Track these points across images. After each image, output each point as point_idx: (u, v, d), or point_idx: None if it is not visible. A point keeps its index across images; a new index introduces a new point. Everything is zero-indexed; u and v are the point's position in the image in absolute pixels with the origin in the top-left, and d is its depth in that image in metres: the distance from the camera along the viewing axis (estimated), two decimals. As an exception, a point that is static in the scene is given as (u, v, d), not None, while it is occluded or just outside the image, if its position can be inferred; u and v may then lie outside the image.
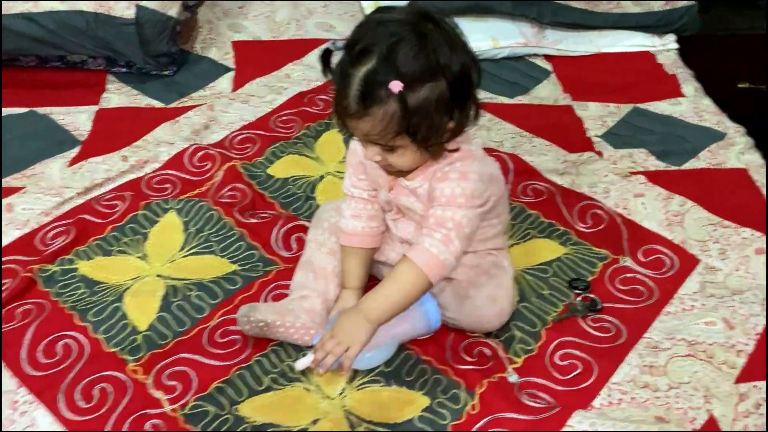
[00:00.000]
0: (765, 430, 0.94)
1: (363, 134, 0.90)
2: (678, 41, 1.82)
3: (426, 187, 0.98)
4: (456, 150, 0.94)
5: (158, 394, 0.99)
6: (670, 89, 1.65)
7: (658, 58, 1.76)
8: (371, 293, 0.96)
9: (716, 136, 1.49)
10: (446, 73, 0.86)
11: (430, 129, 0.88)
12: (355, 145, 1.05)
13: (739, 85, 1.99)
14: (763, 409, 0.96)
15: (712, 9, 1.99)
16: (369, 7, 1.85)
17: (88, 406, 0.98)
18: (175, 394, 0.99)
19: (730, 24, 1.99)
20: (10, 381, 1.01)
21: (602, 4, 1.75)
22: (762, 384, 1.00)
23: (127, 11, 1.60)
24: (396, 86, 0.84)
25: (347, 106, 0.87)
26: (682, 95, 1.63)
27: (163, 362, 1.03)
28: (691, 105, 1.60)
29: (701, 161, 1.42)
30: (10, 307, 1.12)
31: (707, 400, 0.98)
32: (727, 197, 1.33)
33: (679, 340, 1.06)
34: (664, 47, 1.79)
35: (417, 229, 1.04)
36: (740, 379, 1.01)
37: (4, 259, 1.19)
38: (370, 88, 0.85)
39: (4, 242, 1.23)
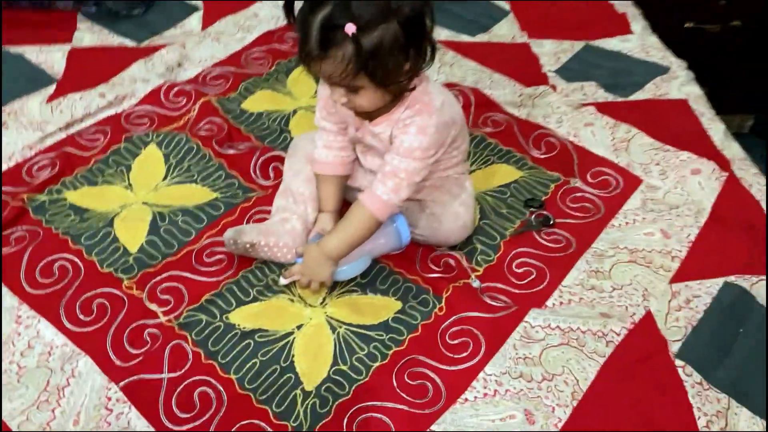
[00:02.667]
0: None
1: (326, 76, 0.96)
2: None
3: (388, 133, 1.06)
4: (413, 89, 1.02)
5: (153, 307, 1.08)
6: (620, 27, 1.75)
7: (609, -2, 1.86)
8: (330, 233, 1.08)
9: (660, 70, 1.60)
10: (399, 15, 0.91)
11: (386, 69, 0.94)
12: (323, 82, 1.11)
13: (686, 25, 2.10)
14: (693, 304, 1.10)
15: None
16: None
17: (89, 318, 1.06)
18: (168, 307, 1.08)
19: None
20: (11, 299, 1.09)
21: (557, -56, 1.83)
22: (692, 283, 1.13)
23: (95, -50, 1.62)
24: (350, 28, 0.89)
25: (309, 51, 0.92)
26: (630, 32, 1.74)
27: (155, 279, 1.12)
28: (639, 42, 1.70)
29: (646, 93, 1.54)
30: (4, 234, 1.18)
31: (645, 298, 1.11)
32: (669, 125, 1.45)
33: (621, 249, 1.19)
34: (615, -14, 1.89)
35: (383, 162, 1.12)
36: (674, 280, 1.14)
37: (-8, 190, 1.25)
38: (326, 31, 0.90)
39: (-9, 175, 1.28)
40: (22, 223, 1.20)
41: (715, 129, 1.44)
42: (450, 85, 1.51)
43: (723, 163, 1.35)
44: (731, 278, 1.13)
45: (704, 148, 1.38)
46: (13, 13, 1.70)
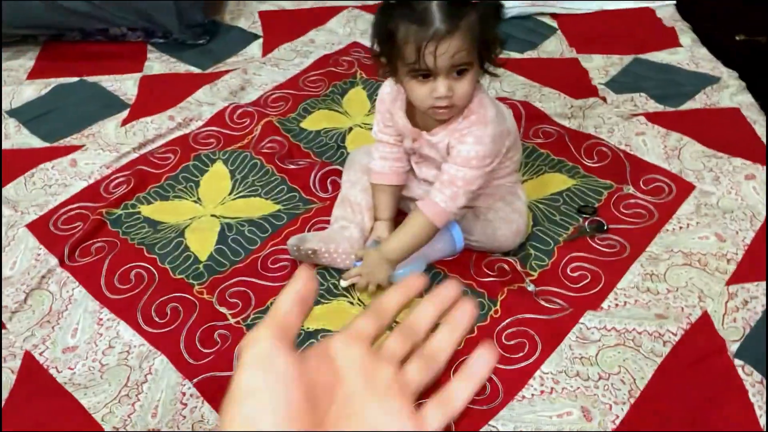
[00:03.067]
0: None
1: (450, 56, 0.96)
2: (677, -2, 1.94)
3: (445, 143, 1.10)
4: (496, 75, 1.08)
5: (223, 310, 1.15)
6: (669, 40, 1.77)
7: (658, 13, 1.88)
8: (390, 237, 1.13)
9: (711, 80, 1.61)
10: (496, 10, 1.00)
11: (493, 41, 1.01)
12: (383, 94, 1.17)
13: (737, 38, 2.10)
14: (750, 305, 1.10)
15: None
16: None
17: (163, 321, 1.13)
18: (237, 309, 1.15)
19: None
20: (92, 303, 1.17)
21: (603, -36, 1.87)
22: (749, 285, 1.14)
23: (165, -15, 1.74)
24: None
25: (436, 33, 0.94)
26: (679, 45, 1.76)
27: (224, 284, 1.19)
28: (688, 54, 1.72)
29: (697, 102, 1.55)
30: (85, 245, 1.27)
31: (701, 299, 1.12)
32: (721, 132, 1.46)
33: (676, 252, 1.20)
34: (663, 3, 1.91)
35: (437, 173, 1.17)
36: (730, 282, 1.15)
37: (74, 205, 1.35)
38: (452, 7, 0.95)
39: (72, 192, 1.38)
40: (101, 235, 1.29)
41: (770, 136, 1.44)
42: (501, 99, 1.55)
43: (778, 168, 1.35)
44: (789, 280, 1.13)
45: (758, 154, 1.39)
46: (89, 46, 1.83)
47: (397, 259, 1.12)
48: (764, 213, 1.26)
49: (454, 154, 1.08)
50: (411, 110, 1.12)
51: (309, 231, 1.28)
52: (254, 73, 1.70)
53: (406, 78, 1.02)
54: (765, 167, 1.34)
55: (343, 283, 1.15)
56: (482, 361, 0.43)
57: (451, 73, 0.99)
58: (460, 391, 0.41)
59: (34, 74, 1.74)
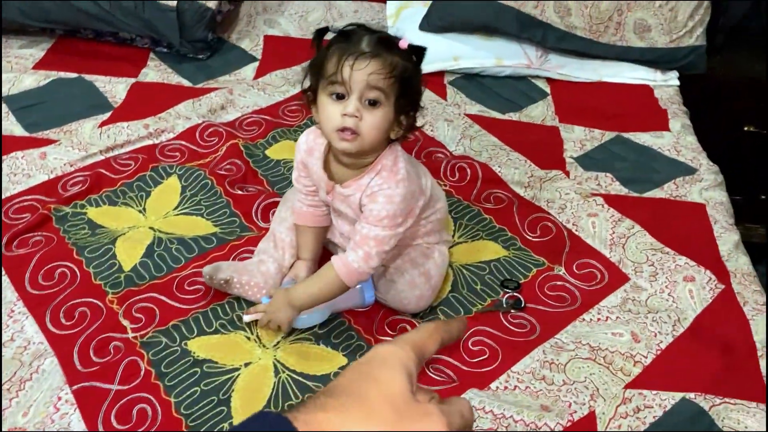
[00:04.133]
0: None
1: (367, 74, 1.00)
2: (683, 79, 1.89)
3: (357, 197, 1.11)
4: (414, 130, 1.12)
5: (125, 323, 1.18)
6: (658, 122, 1.73)
7: (656, 93, 1.84)
8: (300, 285, 1.14)
9: (687, 170, 1.57)
10: (420, 76, 1.09)
11: (410, 95, 1.06)
12: (300, 143, 1.19)
13: (745, 128, 2.04)
14: (641, 414, 1.06)
15: (725, 51, 2.04)
16: (392, 8, 2.01)
17: (69, 323, 1.17)
18: (138, 325, 1.18)
19: (746, 67, 2.03)
20: (12, 294, 1.22)
21: (606, 35, 1.84)
22: (647, 392, 1.09)
23: (171, 0, 1.81)
24: (404, 43, 1.03)
25: (358, 50, 1.00)
26: (668, 129, 1.71)
27: (136, 297, 1.22)
28: (673, 140, 1.67)
29: (663, 191, 1.51)
30: (26, 236, 1.33)
31: (593, 398, 1.09)
32: (677, 227, 1.41)
33: (584, 345, 1.17)
34: (665, 83, 1.87)
35: (351, 228, 1.17)
36: (629, 386, 1.11)
37: (29, 197, 1.41)
38: (383, 39, 1.03)
39: (31, 184, 1.45)
40: (43, 229, 1.35)
41: (726, 239, 1.38)
42: (462, 158, 1.55)
43: (723, 274, 1.30)
44: (691, 395, 1.08)
45: (707, 256, 1.34)
46: (99, 45, 1.92)
47: (302, 306, 1.13)
48: (691, 319, 1.22)
49: (366, 213, 1.09)
50: (327, 163, 1.14)
51: (235, 259, 1.31)
52: (239, 94, 1.75)
53: (321, 99, 1.06)
54: (707, 271, 1.29)
55: (246, 318, 1.17)
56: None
57: (364, 97, 1.03)
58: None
59: (39, 65, 1.83)
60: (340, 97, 1.03)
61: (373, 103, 1.03)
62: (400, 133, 1.09)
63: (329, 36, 1.08)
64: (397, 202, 1.08)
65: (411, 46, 1.05)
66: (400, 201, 1.08)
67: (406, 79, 1.04)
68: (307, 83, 1.11)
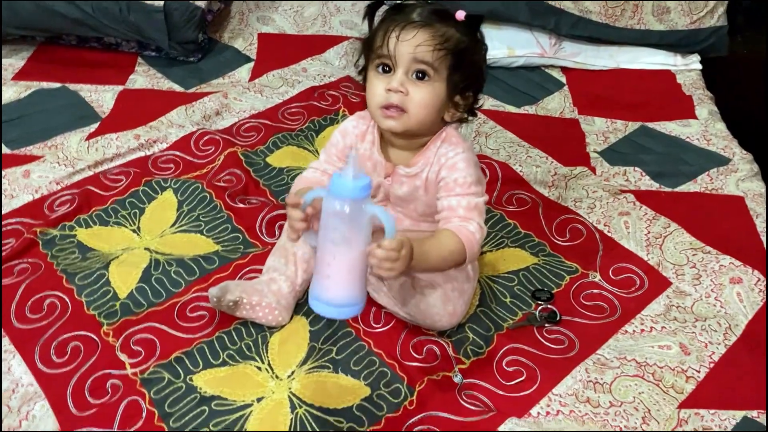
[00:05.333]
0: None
1: (414, 45, 0.94)
2: (705, 62, 1.79)
3: (425, 173, 1.02)
4: (456, 122, 1.04)
5: (123, 357, 1.07)
6: (683, 110, 1.63)
7: (678, 78, 1.74)
8: (424, 242, 0.94)
9: (719, 161, 1.46)
10: (483, 51, 1.02)
11: (466, 72, 0.98)
12: (348, 126, 1.10)
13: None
14: (700, 437, 0.96)
15: (747, 32, 1.93)
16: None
17: (61, 360, 1.06)
18: (138, 359, 1.06)
19: (763, 48, 1.92)
20: (-3, 330, 1.11)
21: (624, 18, 1.73)
22: (704, 412, 0.99)
23: (158, 0, 1.70)
24: (461, 14, 0.96)
25: (407, 20, 0.94)
26: (694, 117, 1.61)
27: (134, 328, 1.11)
28: (701, 128, 1.57)
29: (697, 185, 1.40)
30: (10, 264, 1.22)
31: (645, 421, 0.98)
32: (716, 223, 1.31)
33: (629, 361, 1.06)
34: (687, 67, 1.76)
35: (412, 223, 1.09)
36: (683, 405, 1.00)
37: (12, 220, 1.30)
38: (436, 9, 0.96)
39: (15, 206, 1.33)
40: (29, 255, 1.23)
41: (771, 234, 1.28)
42: (481, 158, 1.44)
43: (772, 274, 1.19)
44: (753, 413, 0.98)
45: (752, 254, 1.23)
46: (82, 52, 1.80)
47: (414, 269, 0.94)
48: (742, 326, 1.11)
49: (451, 185, 1.01)
50: (384, 147, 1.07)
51: (240, 278, 1.19)
52: (235, 98, 1.64)
53: (369, 75, 1.01)
54: (755, 271, 1.19)
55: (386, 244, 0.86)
56: None
57: (410, 70, 0.96)
58: None
59: (20, 75, 1.72)
60: (387, 71, 0.98)
61: (421, 77, 0.97)
62: (456, 116, 1.02)
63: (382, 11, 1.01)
64: (474, 163, 1.03)
65: (470, 17, 0.97)
66: (476, 162, 1.03)
67: (461, 53, 0.97)
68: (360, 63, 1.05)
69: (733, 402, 1.00)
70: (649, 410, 1.00)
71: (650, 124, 1.58)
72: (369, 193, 0.85)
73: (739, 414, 0.98)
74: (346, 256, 0.85)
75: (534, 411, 1.00)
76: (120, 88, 1.68)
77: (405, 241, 0.89)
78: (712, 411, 0.99)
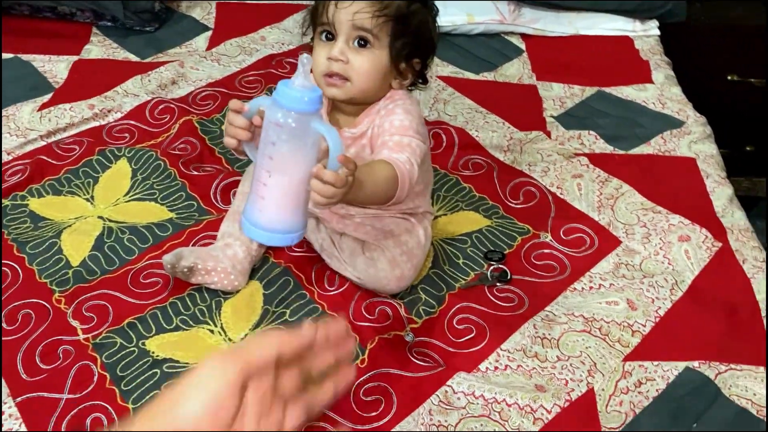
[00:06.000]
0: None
1: (353, 12, 0.93)
2: (664, 28, 1.80)
3: (369, 133, 1.03)
4: (423, 80, 1.04)
5: (75, 323, 1.06)
6: (640, 75, 1.64)
7: (636, 44, 1.75)
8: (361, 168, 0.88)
9: (673, 124, 1.48)
10: (432, 13, 1.01)
11: (410, 39, 0.97)
12: None
13: (729, 78, 1.95)
14: (643, 388, 0.98)
15: (704, -2, 1.95)
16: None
17: (12, 328, 1.05)
18: (90, 325, 1.06)
19: (726, 14, 1.94)
20: (-53, 301, 1.10)
21: (582, -16, 1.74)
22: (648, 363, 1.01)
23: (112, -33, 1.67)
24: None
25: None
26: (651, 81, 1.62)
27: (86, 295, 1.10)
28: (657, 92, 1.58)
29: (651, 147, 1.42)
30: (-40, 234, 1.21)
31: (591, 373, 1.00)
32: (667, 184, 1.33)
33: (577, 317, 1.08)
34: (645, 33, 1.77)
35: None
36: (628, 358, 1.02)
37: (-38, 191, 1.28)
38: None
39: (-34, 176, 1.31)
40: (-21, 226, 1.22)
41: (720, 193, 1.30)
42: (436, 123, 1.45)
43: (719, 232, 1.22)
44: (695, 363, 1.01)
45: (701, 213, 1.26)
46: (36, 22, 1.76)
47: (353, 198, 0.88)
48: (689, 282, 1.13)
49: (387, 127, 0.99)
50: (333, 112, 1.07)
51: (195, 245, 1.19)
52: (191, 67, 1.62)
53: (315, 42, 1.01)
54: (703, 229, 1.21)
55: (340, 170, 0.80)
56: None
57: (351, 38, 0.95)
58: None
59: (-30, 47, 1.68)
60: (330, 38, 0.97)
61: (363, 45, 0.96)
62: (404, 83, 1.02)
63: None
64: (416, 115, 1.01)
65: None
66: (419, 116, 1.02)
67: (403, 19, 0.95)
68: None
69: (677, 354, 1.02)
70: (595, 363, 1.02)
71: (607, 89, 1.59)
72: (318, 107, 0.78)
73: (681, 365, 1.00)
74: (284, 176, 0.80)
75: (483, 366, 1.01)
76: (74, 58, 1.65)
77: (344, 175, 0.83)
78: (655, 363, 1.01)
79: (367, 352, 1.02)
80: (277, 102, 0.77)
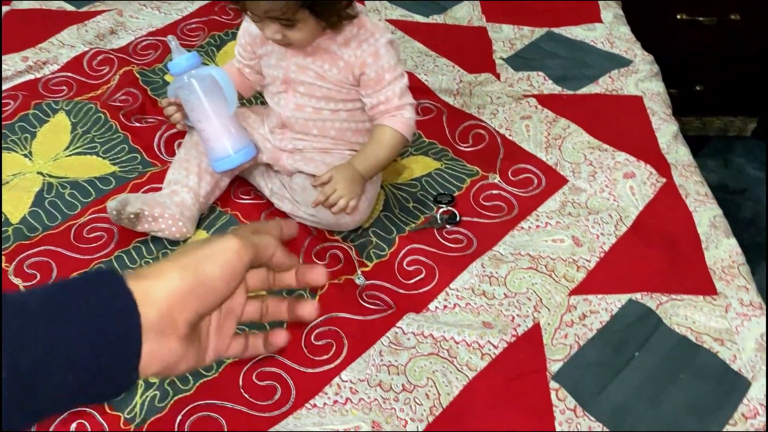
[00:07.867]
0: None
1: (264, 11, 0.94)
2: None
3: (336, 71, 1.04)
4: (353, 17, 1.02)
5: (17, 281, 1.04)
6: (589, 14, 1.63)
7: (585, -17, 1.73)
8: (360, 154, 1.08)
9: (621, 63, 1.48)
10: None
11: (330, 4, 0.97)
12: (249, 24, 1.09)
13: (678, 17, 1.96)
14: (587, 321, 1.01)
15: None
16: None
17: (-50, 288, 1.03)
18: (33, 282, 1.04)
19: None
20: None
21: None
22: (592, 297, 1.04)
23: None
24: None
25: None
26: (600, 21, 1.62)
27: (28, 252, 1.08)
28: (606, 31, 1.58)
29: (599, 87, 1.42)
30: None
31: (537, 309, 1.02)
32: (614, 123, 1.33)
33: (524, 255, 1.09)
34: (595, -28, 1.75)
35: (298, 107, 1.08)
36: (574, 292, 1.05)
37: None
38: None
39: None
40: None
41: (665, 130, 1.32)
42: (385, 68, 1.42)
43: (663, 168, 1.24)
44: (637, 295, 1.03)
45: (646, 150, 1.27)
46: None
47: (369, 175, 1.07)
48: (633, 217, 1.16)
49: (378, 76, 1.04)
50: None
51: (138, 198, 1.17)
52: (130, 16, 1.56)
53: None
54: (648, 165, 1.23)
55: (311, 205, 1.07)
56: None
57: (275, 22, 0.96)
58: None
59: None
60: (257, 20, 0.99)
61: (290, 24, 0.96)
62: (342, 24, 1.03)
63: None
64: (394, 45, 1.06)
65: None
66: (395, 44, 1.06)
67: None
68: None
69: (620, 287, 1.05)
70: (541, 299, 1.04)
71: (556, 30, 1.58)
72: (196, 62, 1.05)
73: (625, 297, 1.03)
74: (210, 115, 1.06)
75: (432, 306, 1.03)
76: (6, 8, 1.57)
77: (331, 171, 1.03)
78: (599, 296, 1.03)
79: (317, 297, 1.02)
80: (174, 75, 1.07)
